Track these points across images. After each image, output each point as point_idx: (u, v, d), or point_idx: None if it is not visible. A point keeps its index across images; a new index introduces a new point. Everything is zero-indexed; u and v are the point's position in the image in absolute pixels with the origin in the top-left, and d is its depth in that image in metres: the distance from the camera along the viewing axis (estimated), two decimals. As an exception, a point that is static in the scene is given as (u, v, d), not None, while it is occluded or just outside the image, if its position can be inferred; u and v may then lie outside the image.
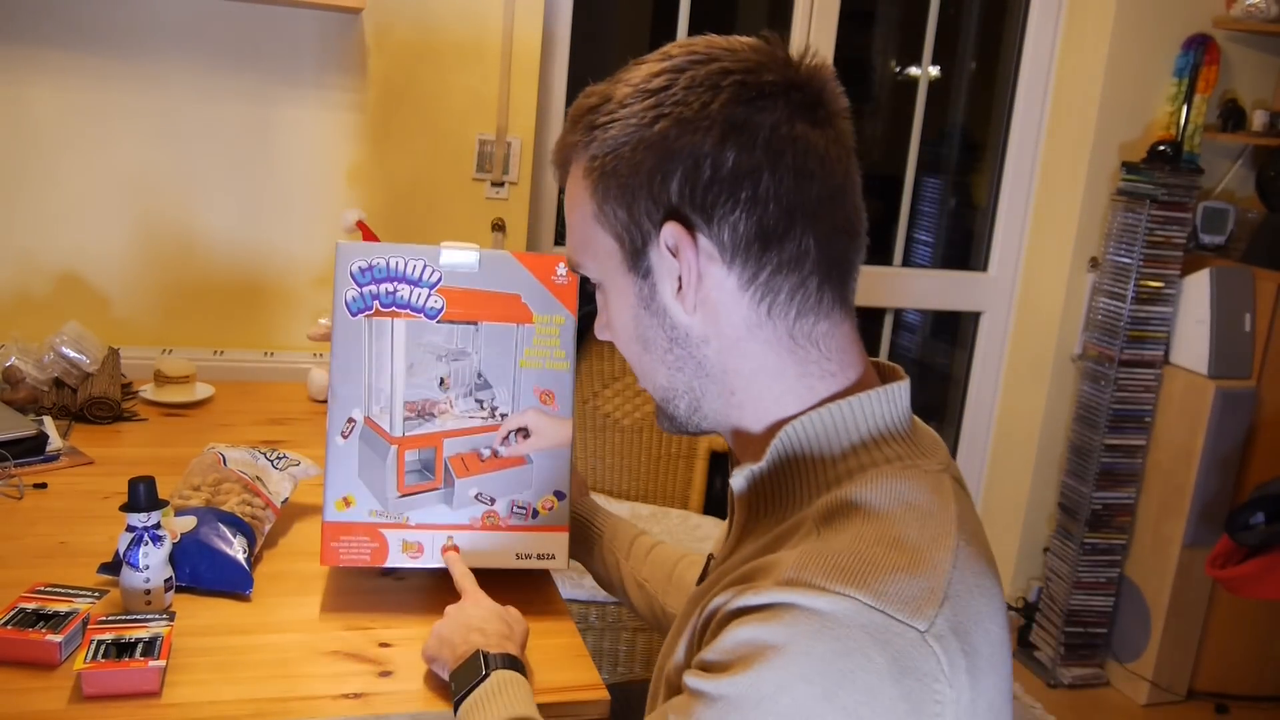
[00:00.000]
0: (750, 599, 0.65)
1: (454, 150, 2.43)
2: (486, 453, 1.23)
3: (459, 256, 1.20)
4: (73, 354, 1.82)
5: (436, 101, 2.39)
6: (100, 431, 1.74)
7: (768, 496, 0.77)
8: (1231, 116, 2.80)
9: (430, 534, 1.22)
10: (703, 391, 0.77)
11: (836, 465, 0.73)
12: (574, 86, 2.59)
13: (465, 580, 1.15)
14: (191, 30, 2.21)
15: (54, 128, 2.19)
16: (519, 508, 1.24)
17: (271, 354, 2.33)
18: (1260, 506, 2.44)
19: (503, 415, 1.23)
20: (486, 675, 0.97)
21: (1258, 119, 2.77)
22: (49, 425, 1.68)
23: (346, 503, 1.21)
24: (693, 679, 0.65)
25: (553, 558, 1.24)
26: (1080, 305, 2.91)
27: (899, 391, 0.77)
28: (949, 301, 3.16)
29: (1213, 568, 2.50)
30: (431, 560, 1.22)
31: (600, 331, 0.83)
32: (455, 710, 0.98)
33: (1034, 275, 3.06)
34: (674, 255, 0.73)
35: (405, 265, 1.19)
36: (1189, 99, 2.77)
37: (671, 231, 0.72)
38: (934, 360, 3.45)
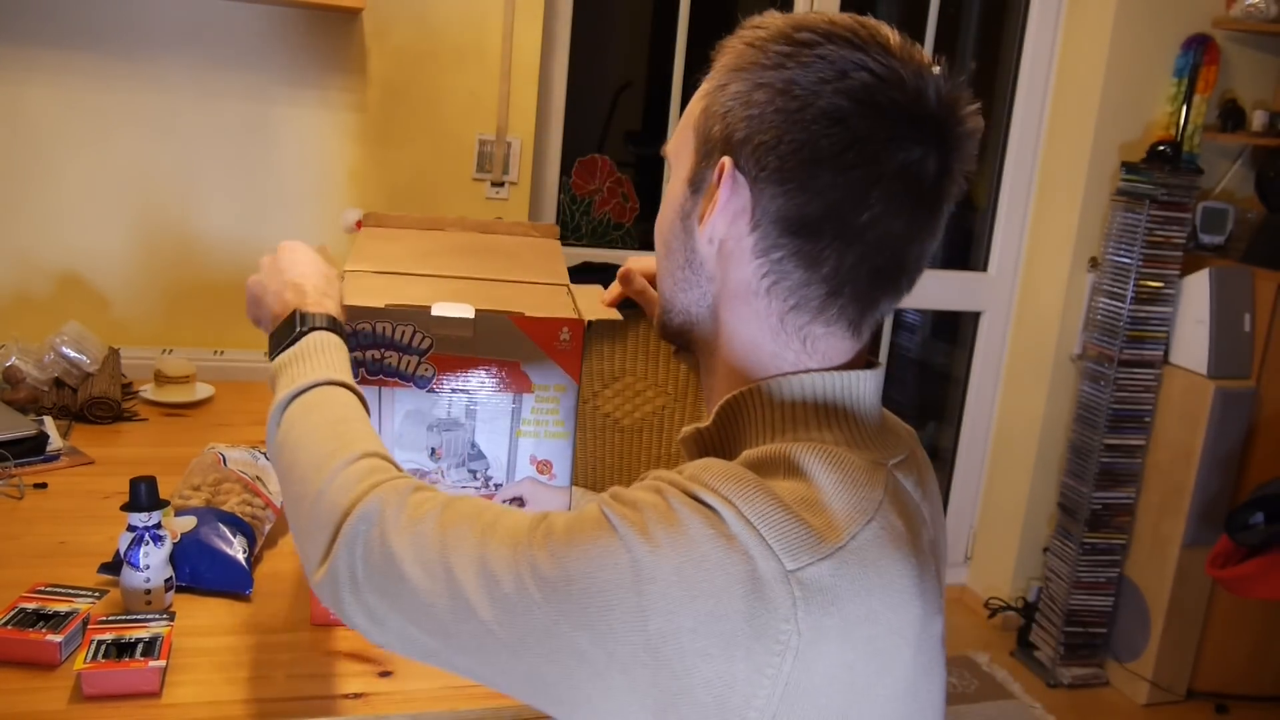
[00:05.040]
0: (649, 481, 0.70)
1: (454, 150, 2.43)
2: None
3: (451, 316, 1.07)
4: (73, 354, 1.82)
5: (436, 101, 2.38)
6: (100, 431, 1.74)
7: (706, 448, 0.80)
8: (1231, 116, 2.80)
9: None
10: (697, 320, 0.81)
11: (777, 434, 0.74)
12: (574, 86, 2.59)
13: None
14: (191, 30, 2.21)
15: (54, 128, 2.19)
16: None
17: (271, 354, 2.33)
18: (1260, 506, 2.45)
19: (497, 485, 1.17)
20: (299, 336, 0.92)
21: (1257, 119, 2.77)
22: (49, 425, 1.68)
23: None
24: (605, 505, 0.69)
25: None
26: (1080, 305, 2.91)
27: (861, 377, 0.76)
28: (949, 301, 3.16)
29: (1212, 567, 2.50)
30: None
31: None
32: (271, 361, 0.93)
33: (1034, 275, 3.06)
34: (716, 186, 0.74)
35: (394, 331, 1.08)
36: (1189, 99, 2.77)
37: (724, 166, 0.74)
38: (934, 360, 3.45)
